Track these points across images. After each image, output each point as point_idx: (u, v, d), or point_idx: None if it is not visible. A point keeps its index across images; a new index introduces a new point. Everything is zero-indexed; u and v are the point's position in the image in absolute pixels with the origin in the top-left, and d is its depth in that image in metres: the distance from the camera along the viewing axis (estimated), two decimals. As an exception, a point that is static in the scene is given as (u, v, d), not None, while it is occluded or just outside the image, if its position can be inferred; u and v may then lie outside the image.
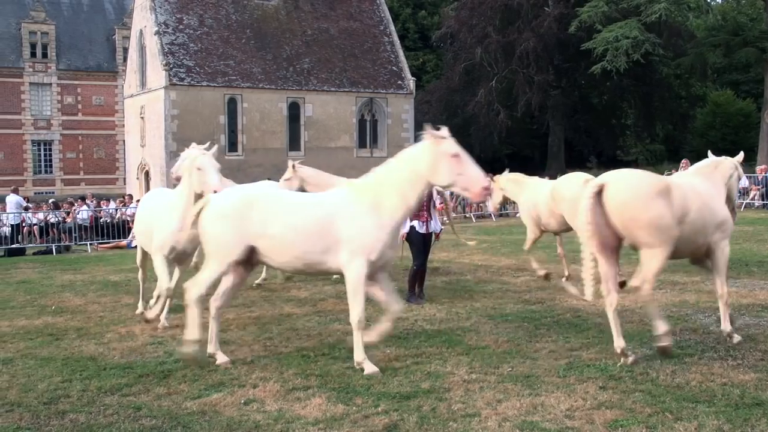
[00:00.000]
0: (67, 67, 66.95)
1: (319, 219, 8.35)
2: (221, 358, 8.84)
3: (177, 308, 12.42)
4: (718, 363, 8.20)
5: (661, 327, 8.43)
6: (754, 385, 7.36)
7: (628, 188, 8.38)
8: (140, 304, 12.34)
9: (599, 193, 8.35)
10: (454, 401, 7.18)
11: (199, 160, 9.99)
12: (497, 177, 15.33)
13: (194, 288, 8.76)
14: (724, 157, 9.94)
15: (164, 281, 10.68)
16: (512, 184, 15.11)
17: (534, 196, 14.30)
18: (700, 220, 8.65)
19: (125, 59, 59.41)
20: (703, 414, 6.58)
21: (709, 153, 10.23)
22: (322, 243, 8.30)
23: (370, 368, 8.23)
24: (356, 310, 8.31)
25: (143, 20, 50.13)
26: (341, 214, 8.32)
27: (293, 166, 15.18)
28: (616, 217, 8.30)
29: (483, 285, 14.34)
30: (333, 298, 13.25)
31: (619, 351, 8.35)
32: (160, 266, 10.72)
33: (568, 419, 6.61)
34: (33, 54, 65.91)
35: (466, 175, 8.00)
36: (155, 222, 10.82)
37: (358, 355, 8.37)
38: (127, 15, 63.82)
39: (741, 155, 10.15)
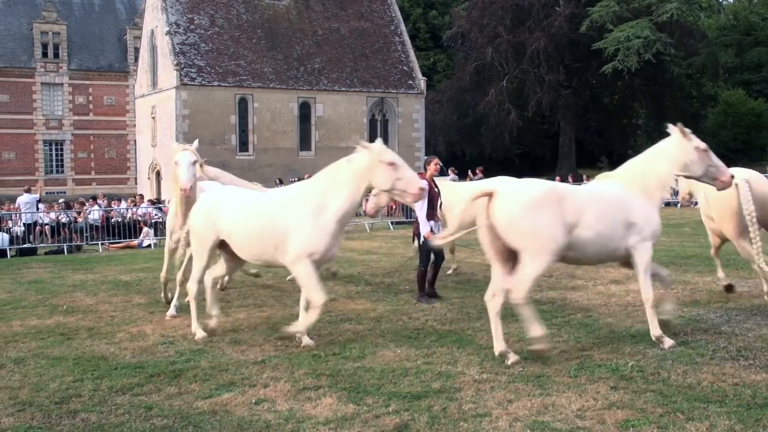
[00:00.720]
0: (78, 67, 67.16)
1: (620, 207, 8.92)
2: (512, 358, 8.59)
3: (186, 309, 12.47)
4: (730, 363, 8.17)
5: None
6: (765, 385, 7.33)
7: (759, 180, 11.04)
8: (194, 320, 10.60)
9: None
10: (464, 401, 7.18)
11: (391, 156, 9.16)
12: None
13: (520, 289, 8.51)
14: None
15: (320, 292, 9.43)
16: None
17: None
18: None
19: (136, 59, 59.60)
20: (714, 414, 6.56)
21: None
22: (622, 230, 8.85)
23: (668, 343, 8.92)
24: (649, 288, 9.00)
25: (154, 20, 50.28)
26: (630, 201, 8.98)
27: (201, 166, 14.59)
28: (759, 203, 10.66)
29: (494, 285, 14.29)
30: (343, 298, 13.25)
31: None
32: (310, 275, 9.40)
33: (579, 419, 6.60)
34: (44, 54, 66.11)
35: (716, 166, 9.25)
36: (291, 225, 9.41)
37: (655, 330, 9.00)
38: (139, 15, 64.01)
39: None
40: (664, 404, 6.87)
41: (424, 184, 9.62)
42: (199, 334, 10.29)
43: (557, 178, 42.33)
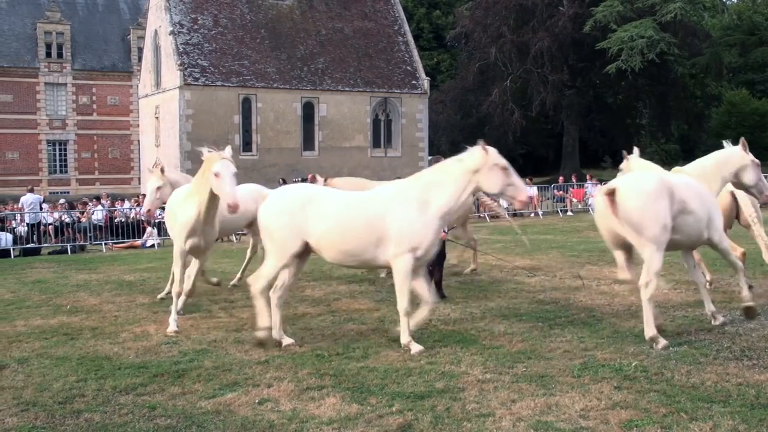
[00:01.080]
0: (82, 67, 67.12)
1: (705, 199, 9.67)
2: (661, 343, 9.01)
3: (189, 308, 12.46)
4: (734, 363, 8.16)
5: None
6: (769, 386, 7.33)
7: None
8: (277, 332, 9.84)
9: None
10: (468, 401, 7.17)
11: (505, 161, 9.23)
12: None
13: (649, 284, 9.07)
14: None
15: (407, 301, 9.37)
16: None
17: None
18: None
19: (140, 59, 59.63)
20: (718, 414, 6.55)
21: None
22: (707, 219, 9.57)
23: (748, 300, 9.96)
24: (739, 263, 10.24)
25: (158, 20, 50.30)
26: (709, 196, 9.84)
27: (162, 170, 13.81)
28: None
29: (497, 285, 14.31)
30: (347, 298, 13.25)
31: None
32: (406, 276, 9.25)
33: (582, 419, 6.59)
34: (48, 54, 66.03)
35: (765, 182, 10.31)
36: (395, 218, 9.22)
37: (746, 292, 10.00)
38: (142, 15, 64.01)
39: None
40: (667, 404, 6.86)
41: (531, 191, 9.88)
42: (261, 334, 9.75)
43: (560, 178, 42.30)
